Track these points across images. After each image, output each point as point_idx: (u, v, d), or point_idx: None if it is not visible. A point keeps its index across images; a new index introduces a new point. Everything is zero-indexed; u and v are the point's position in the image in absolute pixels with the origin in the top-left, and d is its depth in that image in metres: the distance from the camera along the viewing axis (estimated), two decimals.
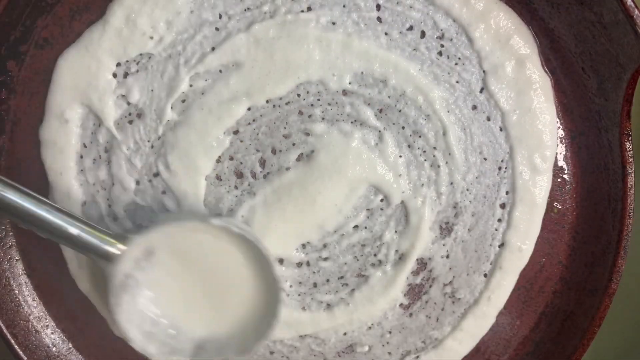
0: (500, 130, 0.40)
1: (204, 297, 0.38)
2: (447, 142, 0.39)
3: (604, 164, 0.40)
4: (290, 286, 0.40)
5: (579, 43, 0.39)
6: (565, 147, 0.41)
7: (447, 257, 0.41)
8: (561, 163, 0.41)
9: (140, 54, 0.38)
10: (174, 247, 0.37)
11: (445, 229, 0.40)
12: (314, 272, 0.40)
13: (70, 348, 0.42)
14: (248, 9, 0.38)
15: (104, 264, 0.36)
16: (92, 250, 0.35)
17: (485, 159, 0.40)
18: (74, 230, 0.35)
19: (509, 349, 0.42)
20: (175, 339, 0.38)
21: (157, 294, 0.37)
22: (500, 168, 0.40)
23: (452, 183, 0.40)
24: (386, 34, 0.38)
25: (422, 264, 0.41)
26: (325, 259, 0.40)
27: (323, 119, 0.39)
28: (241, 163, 0.39)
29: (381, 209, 0.40)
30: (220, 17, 0.38)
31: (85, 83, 0.38)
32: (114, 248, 0.35)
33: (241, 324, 0.38)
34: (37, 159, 0.39)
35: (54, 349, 0.41)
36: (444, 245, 0.40)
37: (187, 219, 0.38)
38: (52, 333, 0.42)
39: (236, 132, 0.39)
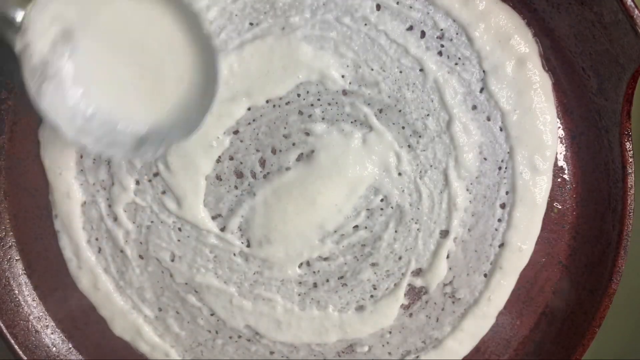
0: (500, 130, 0.40)
1: (138, 81, 0.35)
2: (447, 142, 0.39)
3: (604, 164, 0.40)
4: (293, 288, 0.40)
5: (579, 43, 0.39)
6: (565, 147, 0.41)
7: (447, 257, 0.40)
8: (561, 163, 0.41)
9: None
10: (95, 24, 0.34)
11: (445, 229, 0.40)
12: (314, 272, 0.40)
13: (70, 348, 0.42)
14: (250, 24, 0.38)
15: (10, 37, 0.32)
16: None
17: (485, 159, 0.40)
18: None
19: (509, 349, 0.42)
20: (113, 133, 0.35)
21: (85, 85, 0.34)
22: (500, 168, 0.40)
23: (452, 183, 0.40)
24: (386, 34, 0.38)
25: (422, 264, 0.41)
26: (325, 259, 0.40)
27: (323, 119, 0.39)
28: (241, 163, 0.39)
29: (381, 209, 0.40)
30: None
31: None
32: (12, 11, 0.32)
33: (182, 103, 0.35)
34: (37, 159, 0.39)
35: (54, 349, 0.41)
36: (444, 244, 0.40)
37: None
38: (52, 333, 0.42)
39: (236, 132, 0.39)
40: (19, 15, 0.32)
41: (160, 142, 0.35)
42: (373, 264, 0.40)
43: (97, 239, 0.40)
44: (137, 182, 0.39)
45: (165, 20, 0.34)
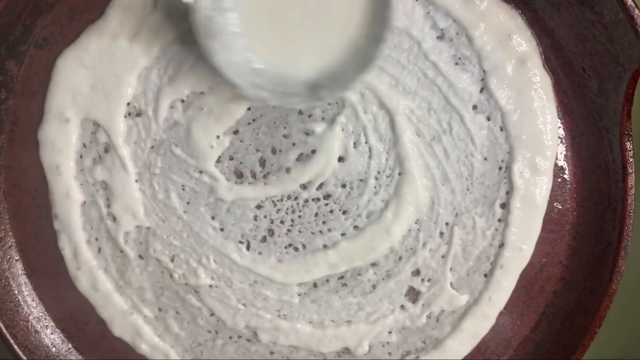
0: (501, 130, 0.39)
1: (303, 27, 0.33)
2: (447, 142, 0.39)
3: (604, 164, 0.40)
4: (291, 296, 0.40)
5: (579, 43, 0.39)
6: (566, 147, 0.41)
7: (447, 257, 0.40)
8: (561, 163, 0.41)
9: None
10: None
11: (446, 229, 0.40)
12: None
13: (70, 348, 0.42)
14: None
15: None
16: None
17: (485, 159, 0.40)
18: None
19: (509, 349, 0.42)
20: (284, 83, 0.34)
21: (249, 38, 0.33)
22: (500, 168, 0.40)
23: (452, 183, 0.40)
24: None
25: (422, 264, 0.40)
26: None
27: (323, 119, 0.39)
28: (241, 163, 0.39)
29: (381, 209, 0.40)
30: None
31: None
32: None
33: (352, 39, 0.33)
34: (36, 159, 0.39)
35: (54, 349, 0.41)
36: (444, 244, 0.40)
37: None
38: (52, 333, 0.42)
39: (236, 132, 0.39)
40: None
41: (335, 83, 0.34)
42: (373, 264, 0.40)
43: (96, 239, 0.40)
44: (136, 182, 0.39)
45: None
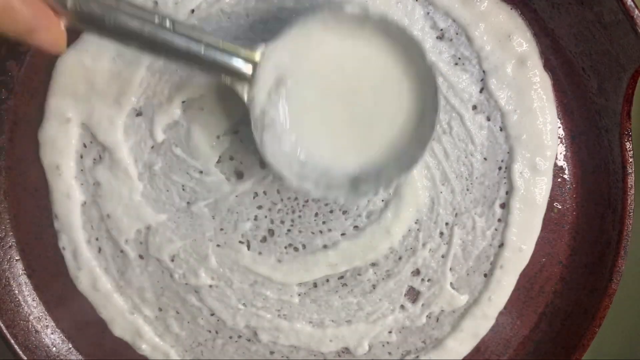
0: (500, 130, 0.40)
1: (349, 124, 0.35)
2: (447, 142, 0.39)
3: (604, 164, 0.40)
4: (291, 296, 0.40)
5: (579, 43, 0.39)
6: (566, 147, 0.41)
7: (447, 257, 0.40)
8: (561, 163, 0.41)
9: None
10: (306, 69, 0.34)
11: (445, 229, 0.40)
12: None
13: (70, 348, 0.42)
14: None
15: (239, 87, 0.33)
16: (221, 68, 0.32)
17: (485, 159, 0.40)
18: (198, 47, 0.31)
19: (509, 349, 0.42)
20: (327, 176, 0.35)
21: (297, 131, 0.34)
22: (500, 168, 0.40)
23: (452, 183, 0.40)
24: None
25: (422, 264, 0.40)
26: None
27: None
28: (241, 163, 0.39)
29: (381, 209, 0.40)
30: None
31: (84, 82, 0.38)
32: (243, 63, 0.32)
33: (397, 138, 0.34)
34: (37, 159, 0.39)
35: (54, 349, 0.41)
36: (444, 244, 0.40)
37: (311, 14, 0.32)
38: (52, 333, 0.42)
39: (236, 132, 0.39)
40: (248, 69, 0.33)
41: (378, 178, 0.35)
42: (373, 264, 0.40)
43: (97, 239, 0.40)
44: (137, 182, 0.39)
45: (381, 56, 0.34)
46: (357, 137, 0.35)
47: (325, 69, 0.34)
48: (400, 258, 0.40)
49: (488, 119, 0.39)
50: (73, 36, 0.38)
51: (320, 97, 0.35)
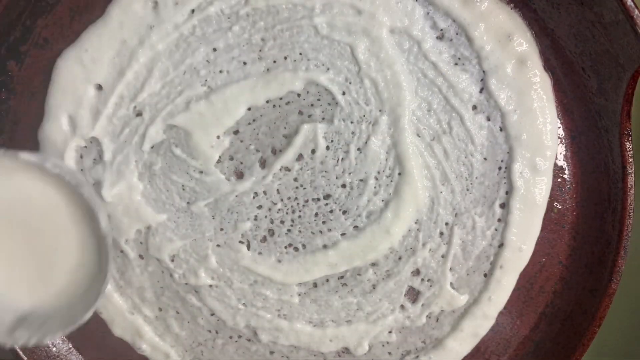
0: (500, 130, 0.40)
1: (28, 261, 0.35)
2: (447, 142, 0.39)
3: (604, 164, 0.40)
4: (291, 295, 0.40)
5: (579, 43, 0.39)
6: (565, 147, 0.41)
7: (447, 257, 0.40)
8: (561, 163, 0.41)
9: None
10: None
11: (445, 229, 0.40)
12: None
13: (70, 348, 0.42)
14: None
15: None
16: None
17: (485, 159, 0.40)
18: None
19: (509, 349, 0.43)
20: None
21: None
22: (500, 168, 0.40)
23: (452, 183, 0.40)
24: None
25: (422, 264, 0.41)
26: None
27: (323, 119, 0.39)
28: (241, 163, 0.39)
29: (381, 209, 0.40)
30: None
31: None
32: None
33: (69, 292, 0.35)
34: None
35: (54, 349, 0.41)
36: (444, 244, 0.40)
37: None
38: None
39: (236, 132, 0.39)
40: None
41: (38, 327, 0.34)
42: (373, 264, 0.40)
43: None
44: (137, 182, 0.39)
45: (65, 210, 0.34)
46: (30, 275, 0.35)
47: (12, 201, 0.34)
48: (400, 258, 0.40)
49: (488, 119, 0.39)
50: (73, 36, 0.38)
51: (3, 227, 0.34)
